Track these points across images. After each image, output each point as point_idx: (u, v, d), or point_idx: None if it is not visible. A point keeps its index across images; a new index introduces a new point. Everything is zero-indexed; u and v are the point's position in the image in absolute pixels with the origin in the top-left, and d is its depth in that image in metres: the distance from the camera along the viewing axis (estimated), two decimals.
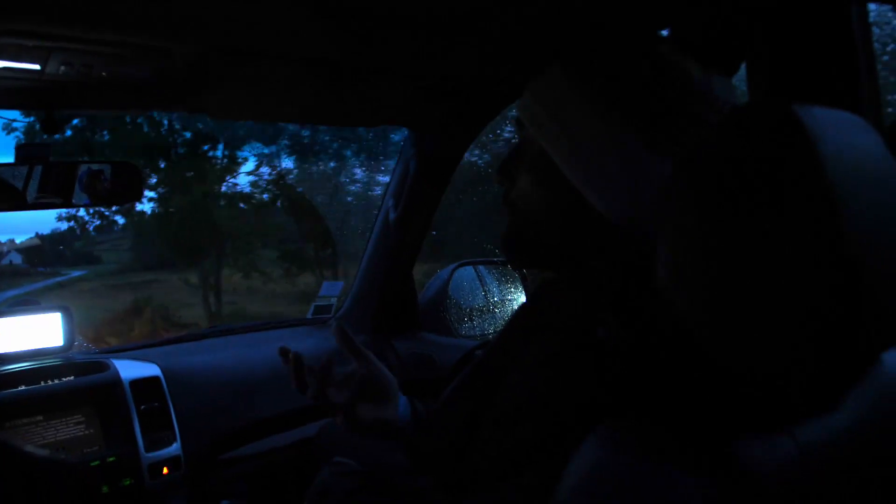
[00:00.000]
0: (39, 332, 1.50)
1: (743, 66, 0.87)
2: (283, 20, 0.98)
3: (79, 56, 1.01)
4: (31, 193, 1.29)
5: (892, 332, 0.47)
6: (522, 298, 1.99)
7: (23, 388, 1.38)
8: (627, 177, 0.71)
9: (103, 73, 1.10)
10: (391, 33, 1.05)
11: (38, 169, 1.28)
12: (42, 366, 1.47)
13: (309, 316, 2.03)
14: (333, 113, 1.51)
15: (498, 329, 1.98)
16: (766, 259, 0.46)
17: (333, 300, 2.02)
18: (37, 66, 1.03)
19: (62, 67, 1.04)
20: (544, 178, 0.78)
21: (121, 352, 1.68)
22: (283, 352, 1.07)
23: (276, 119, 1.52)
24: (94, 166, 1.34)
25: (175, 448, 1.43)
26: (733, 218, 0.47)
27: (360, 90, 1.34)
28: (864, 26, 0.85)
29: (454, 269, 1.93)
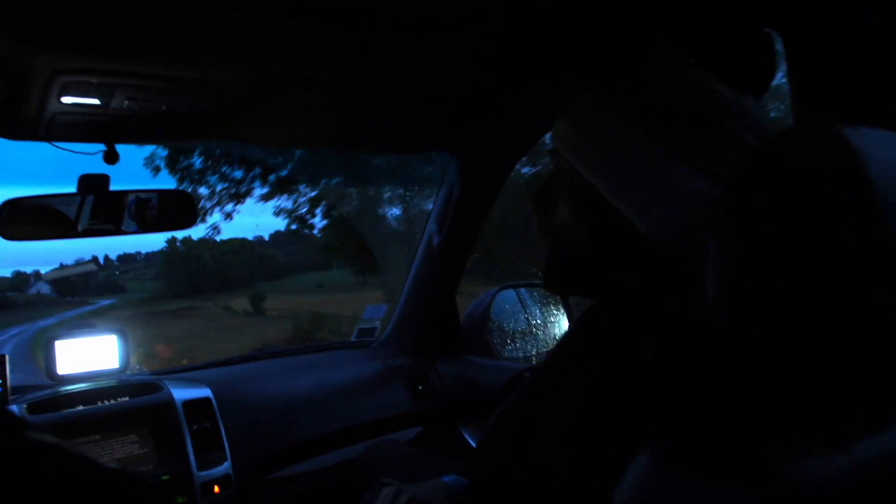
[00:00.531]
0: (96, 354, 1.56)
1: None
2: (322, 46, 1.03)
3: (142, 91, 1.07)
4: (83, 222, 1.35)
5: None
6: (565, 321, 1.99)
7: (81, 407, 1.44)
8: (669, 196, 0.72)
9: (163, 107, 1.16)
10: (422, 54, 1.09)
11: (90, 198, 1.34)
12: (99, 387, 1.52)
13: (353, 339, 2.06)
14: (378, 139, 1.55)
15: (540, 352, 1.98)
16: (818, 280, 0.46)
17: (377, 323, 2.05)
18: (101, 102, 1.10)
19: (126, 102, 1.10)
20: (586, 206, 0.78)
21: (172, 373, 1.73)
22: None
23: (321, 146, 1.56)
24: (142, 195, 1.40)
25: (226, 467, 1.46)
26: (783, 240, 0.47)
27: (404, 116, 1.38)
28: None
29: (496, 292, 1.94)
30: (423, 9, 0.97)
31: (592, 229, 0.78)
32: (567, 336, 0.96)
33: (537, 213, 0.85)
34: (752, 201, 0.51)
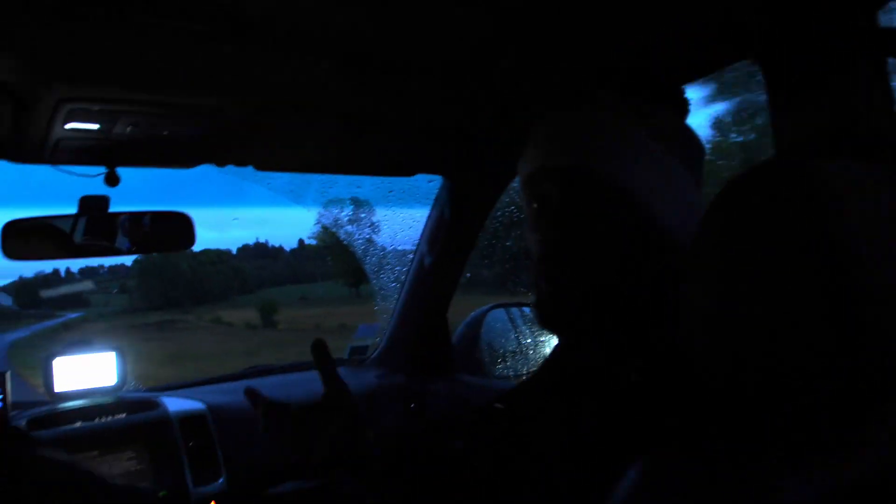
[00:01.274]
0: (94, 371, 1.59)
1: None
2: (319, 79, 1.08)
3: (144, 117, 1.11)
4: (79, 241, 1.38)
5: None
6: (554, 341, 2.01)
7: (80, 424, 1.46)
8: (692, 210, 0.78)
9: (164, 132, 1.19)
10: (414, 84, 1.13)
11: (86, 219, 1.37)
12: (97, 403, 1.55)
13: (346, 357, 2.08)
14: (371, 163, 1.60)
15: (531, 370, 2.00)
16: (791, 308, 0.47)
17: (369, 342, 2.07)
18: (104, 127, 1.13)
19: (128, 128, 1.14)
20: (610, 223, 0.79)
21: (167, 390, 1.75)
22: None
23: (315, 170, 1.60)
24: (136, 226, 1.43)
25: (221, 483, 1.48)
26: (752, 272, 0.49)
27: (395, 141, 1.43)
28: None
29: (486, 311, 1.97)
30: (420, 52, 1.02)
31: (615, 254, 0.79)
32: (549, 361, 0.95)
33: (541, 242, 0.83)
34: (724, 233, 0.52)
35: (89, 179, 1.33)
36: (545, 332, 2.04)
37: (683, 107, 0.87)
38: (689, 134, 0.84)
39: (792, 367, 0.47)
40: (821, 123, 0.88)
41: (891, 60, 0.87)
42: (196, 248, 1.54)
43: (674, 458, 0.48)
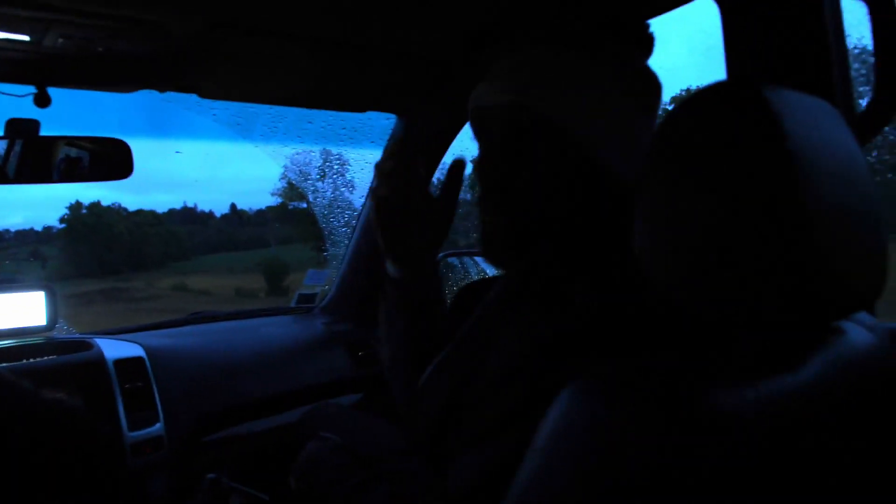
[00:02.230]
0: (22, 310, 1.50)
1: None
2: None
3: (78, 29, 1.03)
4: (11, 169, 1.29)
5: (845, 300, 0.51)
6: None
7: (5, 365, 1.38)
8: (638, 146, 0.78)
9: (99, 49, 1.11)
10: (391, 15, 1.08)
11: (19, 144, 1.28)
12: (25, 343, 1.47)
13: (293, 304, 2.04)
14: (325, 96, 1.53)
15: None
16: (731, 227, 0.49)
17: (318, 289, 2.03)
18: (34, 38, 1.04)
19: (60, 40, 1.05)
20: (557, 161, 0.79)
21: (103, 335, 1.68)
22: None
23: (265, 101, 1.53)
24: (73, 152, 1.34)
25: (158, 428, 1.43)
26: (701, 189, 0.51)
27: (352, 72, 1.37)
28: (836, 17, 0.90)
29: (440, 259, 1.95)
30: None
31: (552, 187, 0.80)
32: (498, 288, 0.97)
33: (484, 178, 0.84)
34: (673, 153, 0.54)
35: (17, 101, 1.23)
36: (493, 269, 2.05)
37: (647, 44, 0.86)
38: (647, 74, 0.84)
39: (741, 286, 0.49)
40: (768, 57, 0.93)
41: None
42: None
43: (605, 376, 0.50)
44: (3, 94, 1.21)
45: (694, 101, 0.53)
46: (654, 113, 0.84)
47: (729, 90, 0.52)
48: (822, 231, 0.47)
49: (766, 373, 0.49)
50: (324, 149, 1.97)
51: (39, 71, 1.17)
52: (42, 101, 1.21)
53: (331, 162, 2.04)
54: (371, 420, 1.34)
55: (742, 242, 0.48)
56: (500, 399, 0.74)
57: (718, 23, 1.01)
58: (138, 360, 1.50)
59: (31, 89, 1.22)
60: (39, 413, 0.54)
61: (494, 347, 0.83)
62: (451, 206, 0.99)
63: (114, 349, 1.50)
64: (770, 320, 0.49)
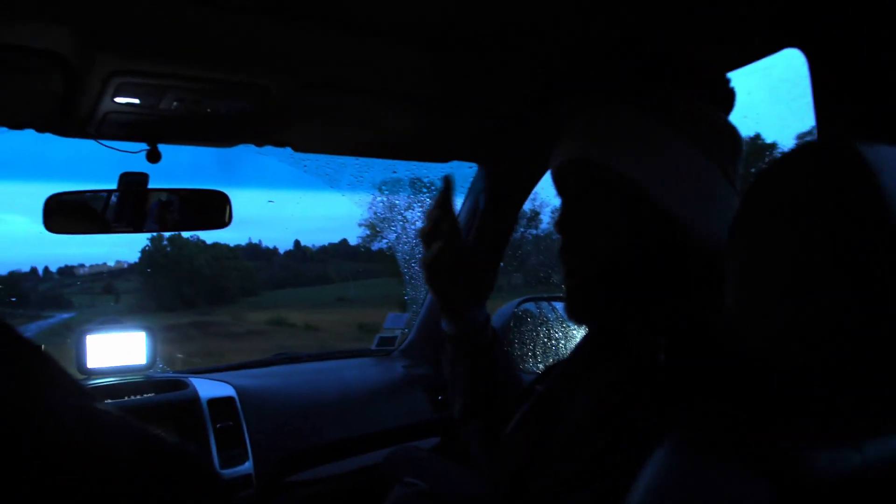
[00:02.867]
0: (125, 349, 1.60)
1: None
2: (388, 57, 1.08)
3: (191, 93, 1.11)
4: (110, 217, 1.39)
5: None
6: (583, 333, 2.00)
7: (108, 402, 1.46)
8: (714, 202, 0.77)
9: (208, 109, 1.19)
10: (471, 70, 1.13)
11: (118, 197, 1.37)
12: (126, 381, 1.55)
13: (373, 347, 2.08)
14: (410, 147, 1.59)
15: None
16: (831, 285, 0.48)
17: (398, 332, 2.06)
18: (152, 102, 1.14)
19: (174, 103, 1.14)
20: (630, 220, 0.80)
21: (196, 373, 1.76)
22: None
23: (353, 153, 1.60)
24: (163, 197, 1.43)
25: (247, 467, 1.48)
26: (800, 247, 0.50)
27: (437, 125, 1.42)
28: None
29: (517, 305, 1.96)
30: (465, 27, 1.01)
31: (629, 245, 0.80)
32: (581, 343, 0.97)
33: (565, 235, 0.86)
34: (770, 211, 0.53)
35: (130, 156, 1.34)
36: (574, 325, 2.03)
37: (727, 99, 0.86)
38: (725, 129, 0.83)
39: (843, 344, 0.48)
40: (861, 111, 0.89)
41: None
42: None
43: (702, 433, 0.50)
44: (121, 151, 1.31)
45: (788, 159, 0.54)
46: (734, 168, 0.83)
47: (824, 148, 0.52)
48: None
49: (869, 433, 0.48)
50: (408, 195, 2.02)
51: (153, 130, 1.27)
52: (153, 157, 1.30)
53: (413, 208, 2.09)
54: (452, 466, 1.35)
55: (842, 299, 0.48)
56: (582, 451, 0.74)
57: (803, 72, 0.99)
58: (230, 399, 1.56)
59: (144, 146, 1.32)
60: (167, 457, 0.58)
61: (578, 401, 0.83)
62: (491, 259, 1.02)
63: (207, 388, 1.57)
64: (872, 379, 0.48)
